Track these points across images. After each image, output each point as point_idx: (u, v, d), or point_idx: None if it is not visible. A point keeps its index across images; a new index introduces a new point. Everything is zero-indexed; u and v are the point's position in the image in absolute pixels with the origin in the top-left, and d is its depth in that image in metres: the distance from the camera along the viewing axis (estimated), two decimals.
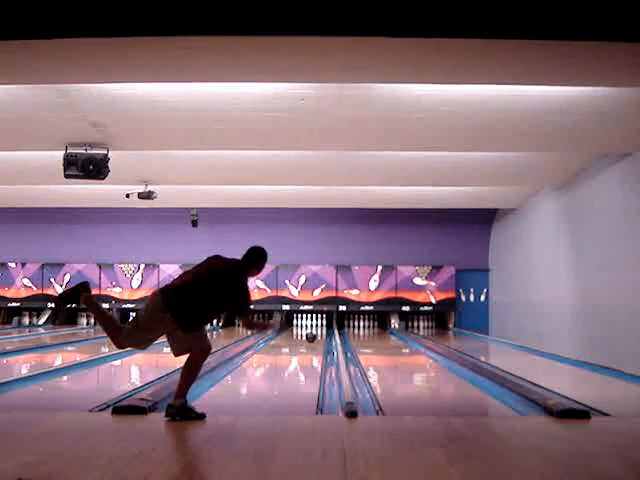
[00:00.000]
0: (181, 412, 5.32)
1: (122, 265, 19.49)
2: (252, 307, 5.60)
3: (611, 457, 4.39)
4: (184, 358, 5.59)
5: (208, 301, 5.43)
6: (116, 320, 6.09)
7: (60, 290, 19.39)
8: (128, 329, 5.50)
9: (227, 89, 7.80)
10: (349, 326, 19.34)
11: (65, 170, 9.57)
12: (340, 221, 19.07)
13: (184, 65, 6.50)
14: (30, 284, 19.52)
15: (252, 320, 5.74)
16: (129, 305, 19.50)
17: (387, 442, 4.65)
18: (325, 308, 19.20)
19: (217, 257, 5.61)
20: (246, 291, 5.51)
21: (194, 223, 16.83)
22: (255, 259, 5.56)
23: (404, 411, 6.36)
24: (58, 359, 11.56)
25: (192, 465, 4.04)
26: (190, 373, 5.48)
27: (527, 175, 12.67)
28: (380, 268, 19.30)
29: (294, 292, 19.17)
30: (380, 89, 7.75)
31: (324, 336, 16.43)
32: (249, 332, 5.72)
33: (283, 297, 19.08)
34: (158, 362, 11.29)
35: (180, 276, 5.61)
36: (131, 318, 5.75)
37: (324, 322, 19.31)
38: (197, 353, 5.49)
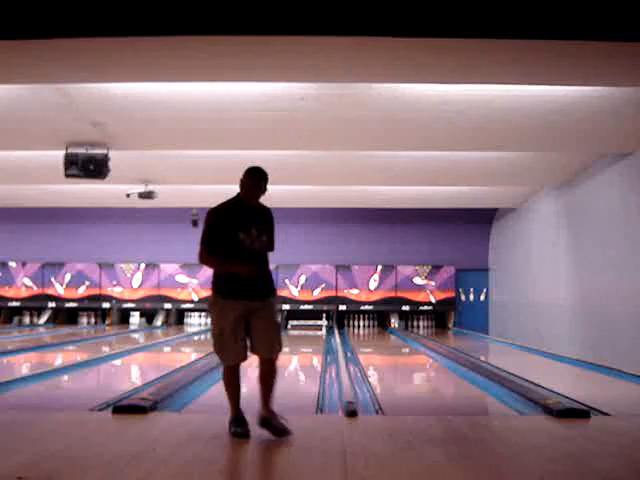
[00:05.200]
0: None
1: (122, 264, 19.50)
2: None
3: (611, 457, 4.39)
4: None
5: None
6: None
7: (61, 290, 19.40)
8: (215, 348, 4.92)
9: (227, 89, 7.81)
10: (349, 325, 19.34)
11: (65, 170, 9.58)
12: (340, 221, 19.07)
13: (184, 65, 6.51)
14: (30, 284, 19.52)
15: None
16: (129, 304, 19.51)
17: (387, 442, 4.65)
18: (325, 308, 19.21)
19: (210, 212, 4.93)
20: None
21: (194, 223, 16.82)
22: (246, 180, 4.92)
23: (404, 410, 6.36)
24: (58, 359, 11.56)
25: (192, 465, 4.04)
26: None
27: (527, 175, 12.68)
28: (380, 268, 19.31)
29: (294, 292, 19.18)
30: (380, 89, 7.76)
31: (324, 336, 16.43)
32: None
33: (283, 297, 19.08)
34: (158, 361, 11.29)
35: None
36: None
37: (324, 322, 19.32)
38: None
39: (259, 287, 4.82)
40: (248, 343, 4.83)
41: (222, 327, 4.77)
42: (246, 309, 4.76)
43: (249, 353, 4.87)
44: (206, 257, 4.78)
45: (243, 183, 4.91)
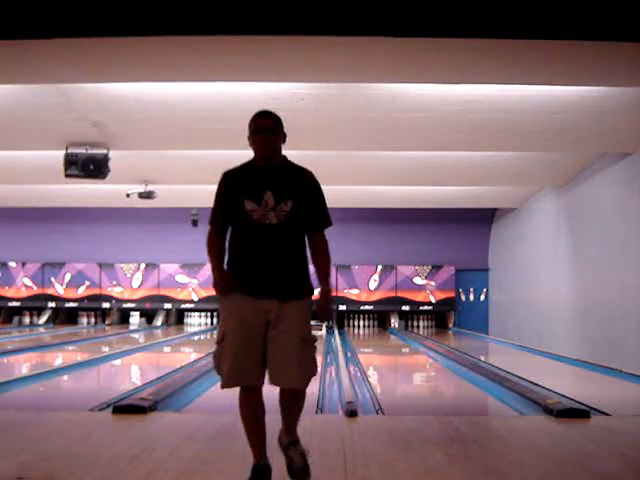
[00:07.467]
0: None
1: (122, 265, 19.50)
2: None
3: (611, 457, 4.39)
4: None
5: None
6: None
7: (61, 290, 19.39)
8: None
9: (227, 89, 7.81)
10: (349, 325, 19.34)
11: (65, 170, 9.59)
12: (340, 221, 19.00)
13: (184, 65, 6.51)
14: (30, 283, 19.52)
15: None
16: (129, 304, 19.52)
17: (387, 442, 4.65)
18: None
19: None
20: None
21: (194, 223, 16.83)
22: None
23: (404, 410, 6.36)
24: (58, 359, 11.57)
25: (192, 465, 4.03)
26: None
27: (527, 175, 12.68)
28: (380, 268, 19.31)
29: None
30: (380, 89, 7.76)
31: (324, 336, 16.43)
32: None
33: None
34: (158, 361, 11.29)
35: None
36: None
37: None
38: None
39: (279, 280, 3.42)
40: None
41: (225, 331, 3.42)
42: (261, 311, 3.40)
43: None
44: (208, 240, 3.63)
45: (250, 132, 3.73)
